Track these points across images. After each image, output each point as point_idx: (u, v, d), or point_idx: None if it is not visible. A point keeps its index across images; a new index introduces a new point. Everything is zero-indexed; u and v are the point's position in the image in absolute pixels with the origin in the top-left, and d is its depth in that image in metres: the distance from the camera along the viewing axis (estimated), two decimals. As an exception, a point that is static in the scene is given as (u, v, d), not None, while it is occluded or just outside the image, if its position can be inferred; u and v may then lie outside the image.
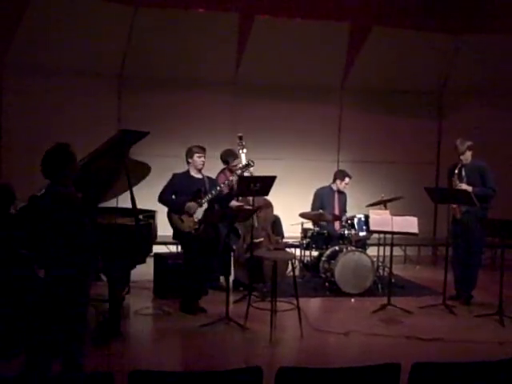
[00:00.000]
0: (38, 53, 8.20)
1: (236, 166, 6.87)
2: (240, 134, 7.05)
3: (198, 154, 6.39)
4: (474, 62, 9.37)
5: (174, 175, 6.45)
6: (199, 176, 6.45)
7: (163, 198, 6.30)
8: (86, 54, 8.37)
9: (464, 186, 6.67)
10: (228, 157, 7.16)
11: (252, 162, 6.53)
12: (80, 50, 8.31)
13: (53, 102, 8.40)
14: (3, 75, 8.31)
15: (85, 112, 8.51)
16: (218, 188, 6.31)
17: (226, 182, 6.48)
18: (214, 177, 6.85)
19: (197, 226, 6.13)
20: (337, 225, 7.69)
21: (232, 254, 6.96)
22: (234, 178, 6.48)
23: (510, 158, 9.31)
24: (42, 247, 4.07)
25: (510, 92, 9.54)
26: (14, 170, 7.99)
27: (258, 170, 6.98)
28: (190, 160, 6.44)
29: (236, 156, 7.04)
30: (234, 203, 6.83)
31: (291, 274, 6.15)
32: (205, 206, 6.22)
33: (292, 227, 7.72)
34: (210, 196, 6.23)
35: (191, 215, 6.18)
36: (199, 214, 6.17)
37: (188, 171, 6.47)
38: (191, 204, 6.18)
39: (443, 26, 9.33)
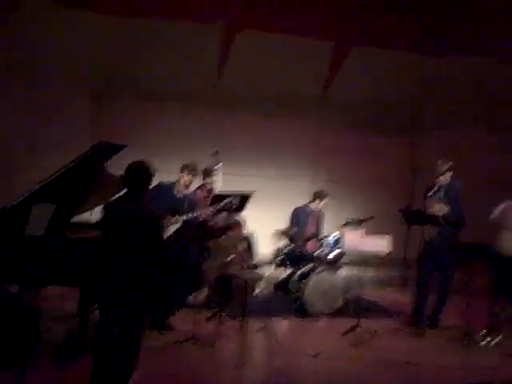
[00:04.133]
0: (18, 63, 8.14)
1: (209, 183, 6.91)
2: (216, 150, 7.08)
3: (186, 173, 6.42)
4: (450, 83, 9.51)
5: (160, 184, 6.43)
6: (181, 194, 6.45)
7: None
8: (66, 63, 8.33)
9: (436, 208, 6.72)
10: (205, 174, 7.19)
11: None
12: (59, 60, 8.27)
13: (35, 114, 8.35)
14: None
15: (65, 124, 8.47)
16: (196, 213, 6.30)
17: (203, 212, 6.45)
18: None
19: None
20: (310, 244, 7.71)
21: (202, 271, 6.95)
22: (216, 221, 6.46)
23: (483, 182, 9.43)
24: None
25: (485, 115, 9.68)
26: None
27: (234, 186, 7.03)
28: (180, 175, 6.46)
29: (210, 175, 7.08)
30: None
31: (260, 293, 6.16)
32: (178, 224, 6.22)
33: (266, 245, 7.73)
34: (185, 217, 6.22)
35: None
36: (169, 231, 6.17)
37: (173, 185, 6.47)
38: (168, 218, 6.16)
39: (420, 48, 9.48)
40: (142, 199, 4.31)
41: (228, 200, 6.40)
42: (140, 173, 4.31)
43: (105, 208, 4.49)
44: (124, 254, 4.16)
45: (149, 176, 4.36)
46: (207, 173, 7.23)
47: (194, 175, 6.58)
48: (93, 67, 8.66)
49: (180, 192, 6.48)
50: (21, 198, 5.15)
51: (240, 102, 9.30)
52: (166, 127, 9.03)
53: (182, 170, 6.51)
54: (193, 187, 6.85)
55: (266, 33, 9.01)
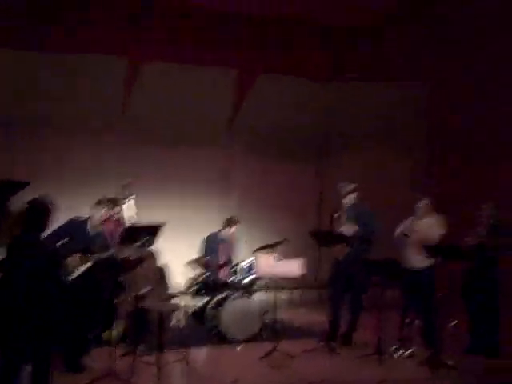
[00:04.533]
0: None
1: (117, 213, 6.82)
2: (129, 180, 7.00)
3: (102, 207, 6.26)
4: (354, 107, 9.92)
5: (71, 220, 6.22)
6: (94, 230, 6.28)
7: (50, 239, 5.96)
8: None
9: (344, 228, 6.95)
10: (110, 203, 7.07)
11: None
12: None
13: None
14: None
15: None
16: (110, 253, 6.16)
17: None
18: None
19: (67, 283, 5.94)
20: (224, 271, 7.72)
21: (116, 306, 6.79)
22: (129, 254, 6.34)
23: (389, 201, 9.81)
24: None
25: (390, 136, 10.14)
26: None
27: (144, 217, 6.97)
28: (93, 210, 6.28)
29: (117, 204, 6.99)
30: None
31: (176, 324, 6.11)
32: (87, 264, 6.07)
33: (180, 275, 7.67)
34: (97, 256, 6.08)
35: (68, 271, 5.96)
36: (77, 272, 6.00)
37: (86, 222, 6.29)
38: (72, 259, 5.96)
39: (326, 74, 9.86)
40: (39, 237, 4.21)
41: (144, 239, 6.30)
42: (35, 210, 4.25)
43: (7, 248, 4.37)
44: (23, 294, 4.08)
45: (44, 213, 4.27)
46: (113, 202, 7.09)
47: (111, 208, 6.46)
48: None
49: (94, 229, 6.32)
50: None
51: (146, 133, 9.27)
52: (74, 161, 8.84)
53: (97, 204, 6.35)
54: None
55: (167, 63, 9.07)
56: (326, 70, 10.02)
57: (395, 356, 6.56)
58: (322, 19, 9.34)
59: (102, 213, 6.30)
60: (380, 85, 9.88)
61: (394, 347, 6.66)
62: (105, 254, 6.10)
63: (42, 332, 4.19)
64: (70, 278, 5.94)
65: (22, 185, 5.22)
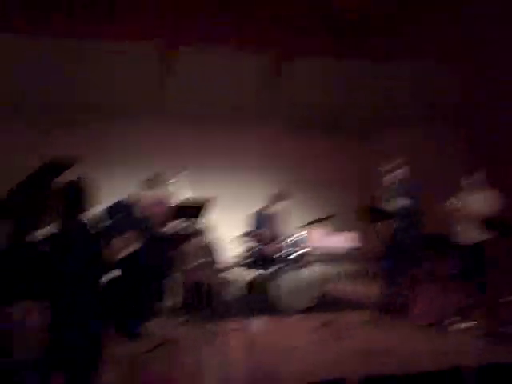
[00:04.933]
0: None
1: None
2: (175, 164, 7.03)
3: (150, 194, 6.35)
4: (399, 87, 9.74)
5: (119, 202, 6.33)
6: (140, 212, 6.38)
7: (97, 220, 6.04)
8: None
9: (392, 204, 6.83)
10: (152, 184, 7.12)
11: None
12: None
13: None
14: None
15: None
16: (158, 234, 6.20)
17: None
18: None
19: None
20: (274, 245, 7.69)
21: (169, 278, 6.83)
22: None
23: (437, 177, 9.64)
24: None
25: (434, 116, 9.95)
26: None
27: (193, 192, 6.98)
28: (140, 193, 6.38)
29: (159, 184, 7.06)
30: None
31: (233, 294, 6.10)
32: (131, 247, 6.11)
33: (231, 248, 7.65)
34: (141, 241, 6.12)
35: (114, 252, 6.01)
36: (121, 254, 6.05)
37: (133, 204, 6.40)
38: (118, 240, 6.01)
39: (365, 54, 9.67)
40: (79, 216, 4.27)
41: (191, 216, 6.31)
42: (72, 191, 4.31)
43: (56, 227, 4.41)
44: (72, 274, 4.13)
45: (81, 193, 4.32)
46: (161, 181, 7.14)
47: (157, 189, 6.50)
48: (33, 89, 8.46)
49: (141, 211, 6.39)
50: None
51: (190, 109, 9.24)
52: (115, 142, 8.89)
53: (144, 187, 6.41)
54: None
55: (205, 46, 9.00)
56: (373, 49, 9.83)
57: (453, 328, 6.43)
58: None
59: (149, 196, 6.34)
60: (426, 64, 9.65)
61: (452, 319, 6.52)
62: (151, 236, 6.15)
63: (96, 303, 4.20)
64: (118, 257, 6.01)
65: (66, 166, 5.26)
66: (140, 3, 8.43)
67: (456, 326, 6.43)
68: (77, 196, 4.28)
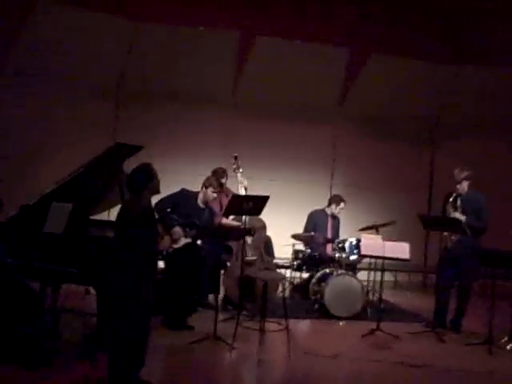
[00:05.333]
0: (37, 63, 8.21)
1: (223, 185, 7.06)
2: (235, 154, 7.10)
3: (212, 189, 6.45)
4: (470, 92, 9.47)
5: (183, 190, 6.47)
6: (203, 205, 6.48)
7: (158, 206, 6.15)
8: (85, 65, 8.40)
9: (457, 215, 6.66)
10: (218, 175, 7.19)
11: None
12: (79, 62, 8.34)
13: (51, 113, 8.41)
14: (1, 84, 8.30)
15: (82, 124, 8.51)
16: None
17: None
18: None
19: (170, 250, 6.09)
20: (328, 248, 7.66)
21: (223, 271, 6.93)
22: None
23: (502, 191, 9.32)
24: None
25: (506, 126, 9.61)
26: (7, 176, 7.98)
27: (252, 190, 7.02)
28: (203, 188, 6.48)
29: (224, 175, 7.11)
30: (227, 221, 6.88)
31: (281, 294, 6.11)
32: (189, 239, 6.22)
33: (283, 248, 7.67)
34: (197, 233, 6.22)
35: (173, 240, 6.14)
36: (179, 244, 6.17)
37: (197, 195, 6.49)
38: (178, 229, 6.15)
39: (442, 56, 9.45)
40: (142, 199, 4.30)
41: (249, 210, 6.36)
42: (137, 176, 4.33)
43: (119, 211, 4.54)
44: (126, 252, 4.16)
45: (145, 179, 4.32)
46: (219, 174, 7.21)
47: (217, 191, 6.59)
48: (108, 69, 8.68)
49: (201, 203, 6.54)
50: (39, 197, 5.17)
51: (257, 108, 9.30)
52: (182, 132, 9.03)
53: (207, 184, 6.51)
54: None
55: (282, 39, 9.00)
56: (442, 52, 9.59)
57: (508, 347, 6.22)
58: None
59: (210, 194, 6.45)
60: (498, 69, 9.33)
61: (506, 338, 6.31)
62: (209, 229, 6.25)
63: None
64: (175, 247, 6.12)
65: (135, 149, 5.39)
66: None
67: (508, 347, 6.23)
68: (143, 180, 4.31)
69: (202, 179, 6.73)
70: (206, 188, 6.50)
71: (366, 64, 9.42)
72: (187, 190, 6.55)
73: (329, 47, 9.12)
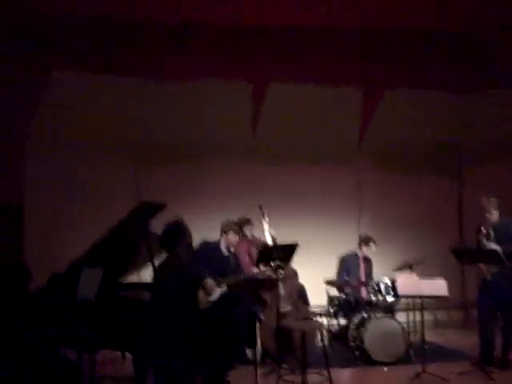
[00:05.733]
0: (58, 127, 8.37)
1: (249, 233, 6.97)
2: (260, 204, 7.06)
3: (233, 233, 6.42)
4: (490, 117, 9.38)
5: (204, 243, 6.41)
6: (227, 253, 6.43)
7: None
8: (104, 128, 8.51)
9: (493, 246, 6.49)
10: (242, 224, 7.13)
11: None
12: (98, 125, 8.46)
13: (74, 176, 8.52)
14: (26, 149, 8.45)
15: (106, 184, 8.59)
16: (242, 277, 6.26)
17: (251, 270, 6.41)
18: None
19: (208, 306, 5.99)
20: (363, 291, 7.49)
21: (258, 324, 6.78)
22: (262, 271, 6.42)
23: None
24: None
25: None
26: (36, 242, 8.03)
27: (279, 237, 6.94)
28: (224, 235, 6.44)
29: (249, 223, 7.03)
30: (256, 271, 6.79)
31: (320, 343, 5.94)
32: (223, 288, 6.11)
33: (317, 295, 7.52)
34: (231, 280, 6.14)
35: (208, 293, 6.05)
36: (215, 295, 6.08)
37: (219, 244, 6.44)
38: (210, 281, 6.09)
39: (457, 85, 9.41)
40: (176, 257, 4.24)
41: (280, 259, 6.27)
42: (169, 233, 4.30)
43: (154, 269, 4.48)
44: (165, 314, 4.07)
45: (177, 235, 4.29)
46: (243, 223, 7.16)
47: (238, 233, 6.54)
48: (131, 130, 8.78)
49: (224, 251, 6.49)
50: (69, 265, 5.15)
51: (278, 154, 9.30)
52: (206, 186, 9.04)
53: (227, 228, 6.46)
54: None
55: (295, 84, 9.05)
56: (456, 80, 9.55)
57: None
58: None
59: (233, 235, 6.40)
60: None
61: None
62: (240, 275, 6.16)
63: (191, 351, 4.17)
64: (211, 299, 6.03)
65: (160, 207, 5.36)
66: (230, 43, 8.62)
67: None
68: (176, 237, 4.27)
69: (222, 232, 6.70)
70: (226, 233, 6.44)
71: (381, 99, 9.42)
72: (207, 242, 6.48)
73: (343, 87, 9.14)
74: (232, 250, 6.62)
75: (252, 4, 7.70)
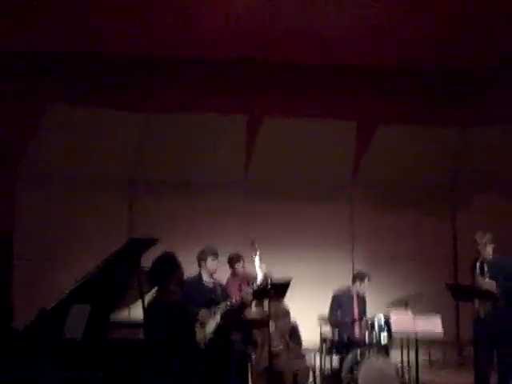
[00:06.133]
0: (50, 163, 8.34)
1: (240, 270, 6.81)
2: (252, 239, 6.98)
3: (211, 258, 6.27)
4: (484, 153, 9.43)
5: (186, 279, 6.25)
6: (211, 282, 6.29)
7: None
8: (98, 162, 8.50)
9: (487, 282, 6.42)
10: (233, 261, 7.03)
11: (269, 280, 6.29)
12: (92, 159, 8.44)
13: (65, 211, 8.49)
14: (17, 185, 8.40)
15: (97, 219, 8.53)
16: (232, 301, 6.13)
17: (237, 297, 6.27)
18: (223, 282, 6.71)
19: (207, 339, 5.86)
20: (357, 328, 7.37)
21: (249, 364, 6.64)
22: (245, 293, 6.27)
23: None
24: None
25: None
26: (26, 279, 7.92)
27: (271, 273, 6.84)
28: (202, 263, 6.30)
29: (240, 259, 6.93)
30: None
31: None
32: (217, 317, 5.99)
33: (310, 331, 7.40)
34: (222, 307, 6.03)
35: (203, 326, 5.93)
36: (210, 326, 5.94)
37: (200, 275, 6.32)
38: (204, 311, 5.97)
39: (451, 119, 9.47)
40: (167, 294, 4.17)
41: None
42: (159, 267, 4.24)
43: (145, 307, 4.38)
44: (160, 353, 3.99)
45: (169, 270, 4.22)
46: (234, 259, 7.06)
47: (217, 259, 6.40)
48: (121, 164, 8.77)
49: (207, 281, 6.29)
50: (57, 300, 5.05)
51: (270, 189, 9.31)
52: (198, 221, 8.99)
53: (204, 256, 6.33)
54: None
55: (288, 118, 9.09)
56: (448, 116, 9.61)
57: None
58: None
59: (212, 262, 6.25)
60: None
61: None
62: (229, 302, 6.02)
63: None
64: (208, 331, 5.91)
65: (151, 242, 5.29)
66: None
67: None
68: (166, 272, 4.20)
69: (222, 268, 6.59)
70: (205, 261, 6.29)
71: (375, 135, 9.46)
72: (188, 277, 6.29)
73: (336, 122, 9.18)
74: (216, 279, 6.45)
75: (249, 39, 7.80)
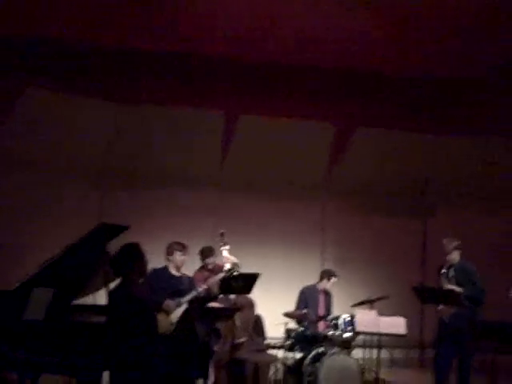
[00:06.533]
0: (22, 149, 8.23)
1: (211, 263, 6.73)
2: (222, 231, 6.97)
3: (179, 252, 6.26)
4: (456, 161, 9.54)
5: (154, 271, 6.26)
6: (178, 274, 6.29)
7: None
8: (71, 149, 8.42)
9: (451, 287, 6.50)
10: (204, 254, 7.02)
11: (236, 266, 6.32)
12: (65, 146, 8.37)
13: (37, 198, 8.36)
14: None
15: (68, 207, 8.44)
16: (198, 290, 6.11)
17: (204, 286, 6.27)
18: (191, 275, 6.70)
19: (173, 328, 5.85)
20: (321, 325, 7.40)
21: (212, 355, 6.63)
22: (212, 281, 6.27)
23: (495, 258, 9.23)
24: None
25: (492, 193, 9.64)
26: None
27: (240, 267, 6.84)
28: (169, 257, 6.30)
29: (212, 253, 6.92)
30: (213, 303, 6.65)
31: (273, 377, 5.84)
32: (183, 306, 5.98)
33: (275, 327, 7.41)
34: (188, 297, 6.02)
35: (168, 315, 5.92)
36: (175, 315, 5.93)
37: (166, 268, 6.30)
38: (170, 302, 5.96)
39: (425, 127, 9.56)
40: (129, 284, 4.14)
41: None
42: (122, 257, 4.20)
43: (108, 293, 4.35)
44: (118, 341, 3.99)
45: (131, 259, 4.19)
46: (206, 252, 7.05)
47: (185, 254, 6.39)
48: (94, 153, 8.72)
49: (174, 273, 6.31)
50: (19, 283, 4.99)
51: (244, 186, 9.32)
52: (170, 213, 8.96)
53: (171, 250, 6.33)
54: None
55: (266, 117, 9.10)
56: (425, 123, 9.71)
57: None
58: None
59: (178, 258, 6.26)
60: (482, 140, 9.46)
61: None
62: (195, 292, 6.01)
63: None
64: (174, 320, 5.89)
65: (121, 229, 5.24)
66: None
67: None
68: (128, 262, 4.17)
69: (192, 260, 6.58)
70: (172, 255, 6.30)
71: (351, 138, 9.52)
72: (155, 268, 6.30)
73: (313, 123, 9.22)
74: (182, 273, 6.45)
75: (230, 39, 7.79)
